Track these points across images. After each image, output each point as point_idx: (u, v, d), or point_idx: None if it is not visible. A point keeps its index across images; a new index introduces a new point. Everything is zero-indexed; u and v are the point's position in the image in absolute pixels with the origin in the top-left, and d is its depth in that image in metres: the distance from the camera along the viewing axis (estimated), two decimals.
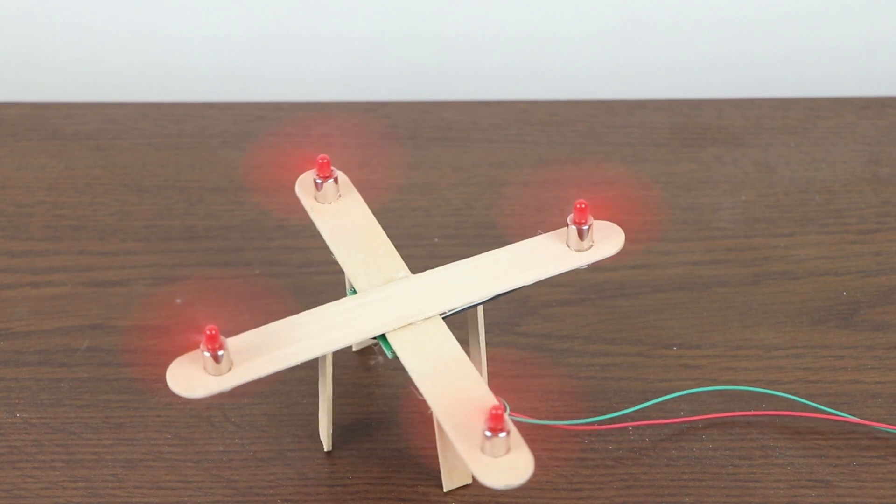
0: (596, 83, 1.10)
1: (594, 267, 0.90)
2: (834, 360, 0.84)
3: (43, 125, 1.02)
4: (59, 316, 0.88)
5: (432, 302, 0.74)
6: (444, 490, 0.77)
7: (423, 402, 0.70)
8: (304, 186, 0.81)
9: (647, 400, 0.82)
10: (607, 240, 0.77)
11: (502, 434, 0.67)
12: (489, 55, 1.09)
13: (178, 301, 0.88)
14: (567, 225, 0.76)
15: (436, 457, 0.77)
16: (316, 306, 0.88)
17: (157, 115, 1.02)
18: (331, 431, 0.79)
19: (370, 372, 0.84)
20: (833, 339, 0.86)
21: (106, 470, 0.79)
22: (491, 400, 0.69)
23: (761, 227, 0.93)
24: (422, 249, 0.91)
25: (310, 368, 0.84)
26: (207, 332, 0.70)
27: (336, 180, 0.80)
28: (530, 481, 0.78)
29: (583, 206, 0.76)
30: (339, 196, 0.80)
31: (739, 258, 0.91)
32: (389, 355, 0.73)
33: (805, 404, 0.81)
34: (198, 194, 0.96)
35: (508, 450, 0.67)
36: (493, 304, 0.87)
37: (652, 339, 0.86)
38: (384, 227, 0.93)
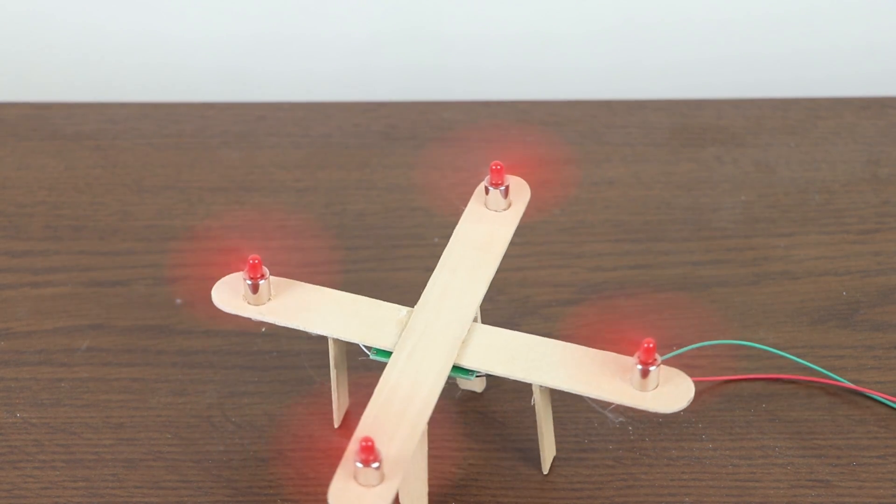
0: (596, 83, 1.10)
1: (594, 267, 0.90)
2: (834, 360, 0.84)
3: (43, 125, 1.02)
4: (60, 316, 0.88)
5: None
6: (544, 472, 0.78)
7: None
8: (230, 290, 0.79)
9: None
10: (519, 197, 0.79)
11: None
12: (489, 55, 1.09)
13: (179, 301, 0.88)
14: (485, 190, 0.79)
15: (433, 457, 0.77)
16: None
17: (158, 115, 1.02)
18: (342, 409, 0.80)
19: (370, 372, 0.84)
20: (833, 339, 0.86)
21: (106, 470, 0.79)
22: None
23: (761, 227, 0.93)
24: (422, 249, 0.92)
25: (310, 368, 0.84)
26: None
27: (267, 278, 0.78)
28: (531, 481, 0.78)
29: (498, 167, 0.78)
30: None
31: (739, 258, 0.91)
32: (373, 356, 0.74)
33: (814, 369, 0.82)
34: (198, 194, 0.96)
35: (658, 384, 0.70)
36: (494, 304, 0.88)
37: (652, 339, 0.86)
38: (384, 227, 0.94)
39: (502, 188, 0.79)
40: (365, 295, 0.88)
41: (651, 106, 1.03)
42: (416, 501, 0.73)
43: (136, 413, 0.82)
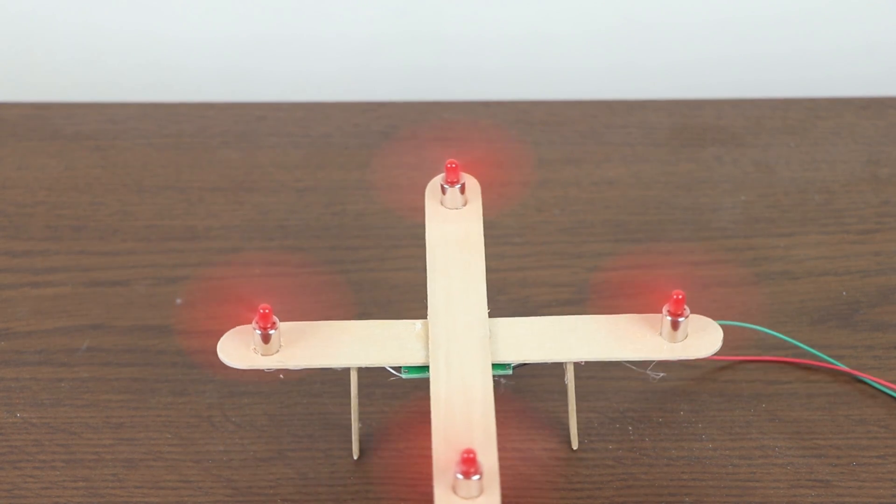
0: (596, 83, 1.10)
1: (594, 267, 0.90)
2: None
3: (43, 125, 1.02)
4: (60, 316, 0.88)
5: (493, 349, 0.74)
6: (574, 448, 0.78)
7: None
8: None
9: (647, 400, 0.82)
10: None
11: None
12: (489, 55, 1.09)
13: (179, 301, 0.88)
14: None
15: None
16: (316, 306, 0.88)
17: (158, 115, 1.02)
18: (356, 437, 0.79)
19: (370, 371, 0.84)
20: (833, 339, 0.86)
21: (106, 470, 0.79)
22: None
23: (761, 227, 0.93)
24: (422, 250, 0.91)
25: (310, 368, 0.84)
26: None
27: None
28: (531, 480, 0.78)
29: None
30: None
31: (739, 258, 0.91)
32: (406, 375, 0.74)
33: (810, 352, 0.83)
34: (198, 194, 0.96)
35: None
36: (494, 304, 0.87)
37: None
38: (384, 227, 0.94)
39: (458, 186, 0.79)
40: (365, 295, 0.89)
41: (651, 106, 1.03)
42: None
43: (136, 413, 0.82)
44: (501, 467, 0.78)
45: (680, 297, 0.73)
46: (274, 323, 0.74)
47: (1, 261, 0.91)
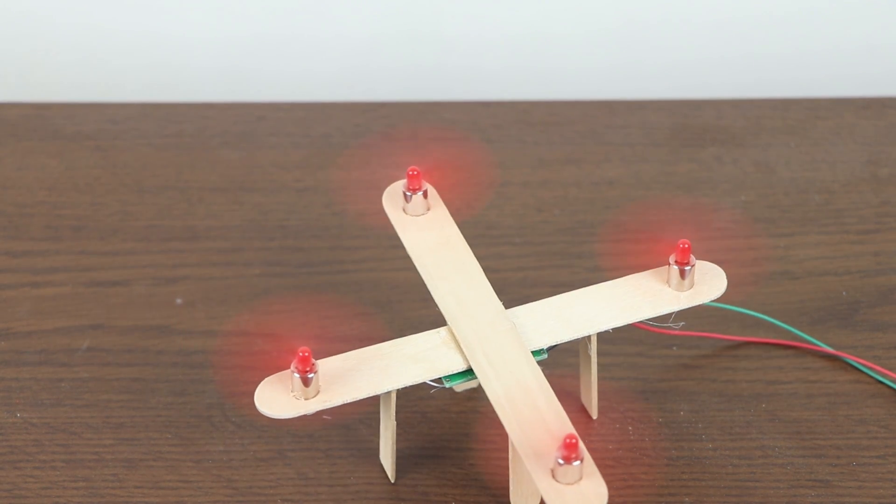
0: (596, 83, 1.10)
1: (594, 267, 0.90)
2: (834, 360, 0.84)
3: (43, 125, 1.02)
4: (60, 316, 0.88)
5: (525, 339, 0.74)
6: (594, 417, 0.78)
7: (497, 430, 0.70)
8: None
9: (647, 400, 0.82)
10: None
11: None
12: (489, 55, 1.09)
13: (179, 301, 0.88)
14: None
15: (429, 456, 0.77)
16: (316, 306, 0.88)
17: (158, 115, 1.02)
18: (394, 460, 0.78)
19: None
20: (833, 339, 0.86)
21: (106, 470, 0.79)
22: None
23: (761, 227, 0.93)
24: None
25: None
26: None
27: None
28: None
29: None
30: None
31: (739, 258, 0.91)
32: (450, 384, 0.73)
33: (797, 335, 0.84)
34: (198, 194, 0.96)
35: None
36: None
37: (652, 338, 0.86)
38: (384, 227, 0.93)
39: (422, 192, 0.79)
40: (365, 295, 0.89)
41: (651, 106, 1.03)
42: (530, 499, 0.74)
43: (136, 413, 0.82)
44: (501, 468, 0.78)
45: (686, 245, 0.75)
46: (313, 364, 0.71)
47: (1, 261, 0.91)
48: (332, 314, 0.88)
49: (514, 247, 0.92)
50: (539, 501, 0.73)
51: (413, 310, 0.87)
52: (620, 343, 0.85)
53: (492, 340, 0.73)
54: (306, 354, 0.71)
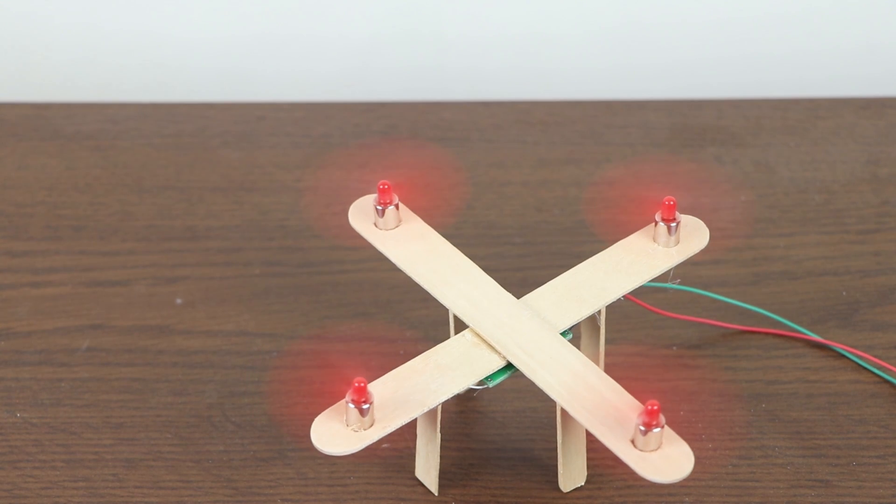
0: (596, 83, 1.10)
1: None
2: (833, 360, 0.84)
3: (43, 125, 1.02)
4: (60, 316, 0.88)
5: (550, 323, 0.75)
6: (564, 490, 0.78)
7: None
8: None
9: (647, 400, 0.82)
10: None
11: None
12: (489, 55, 1.09)
13: (179, 301, 0.88)
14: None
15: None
16: (316, 306, 0.88)
17: (158, 115, 1.03)
18: (437, 473, 0.77)
19: (370, 371, 0.84)
20: (833, 338, 0.86)
21: (106, 470, 0.79)
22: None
23: (761, 227, 0.93)
24: None
25: (310, 368, 0.84)
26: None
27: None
28: (531, 480, 0.78)
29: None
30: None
31: (739, 258, 0.91)
32: (492, 383, 0.73)
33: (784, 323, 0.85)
34: (198, 194, 0.96)
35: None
36: None
37: (652, 339, 0.86)
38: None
39: (393, 205, 0.78)
40: (365, 295, 0.89)
41: (651, 106, 1.03)
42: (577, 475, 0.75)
43: (136, 413, 0.82)
44: (501, 467, 0.78)
45: (671, 202, 0.77)
46: (370, 394, 0.69)
47: (1, 261, 0.91)
48: (332, 314, 0.88)
49: (514, 247, 0.92)
50: (584, 480, 0.76)
51: (413, 310, 0.87)
52: (620, 343, 0.85)
53: (520, 332, 0.74)
54: (362, 385, 0.69)
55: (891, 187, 0.96)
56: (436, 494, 0.77)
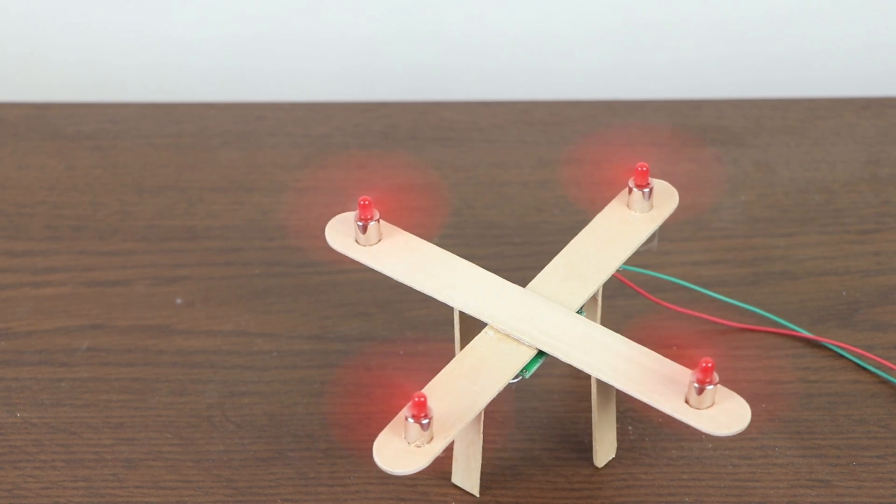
0: (596, 83, 1.10)
1: None
2: (833, 360, 0.84)
3: (43, 125, 1.02)
4: (60, 316, 0.88)
5: (564, 304, 0.75)
6: (599, 465, 0.78)
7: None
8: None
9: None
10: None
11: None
12: (489, 55, 1.09)
13: (179, 301, 0.88)
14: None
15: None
16: (316, 306, 0.88)
17: (158, 115, 1.03)
18: (479, 475, 0.77)
19: (370, 371, 0.84)
20: (833, 338, 0.86)
21: (106, 470, 0.79)
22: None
23: (761, 227, 0.93)
24: None
25: (310, 368, 0.84)
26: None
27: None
28: (531, 480, 0.78)
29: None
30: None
31: (739, 258, 0.91)
32: (529, 373, 0.73)
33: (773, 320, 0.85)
34: (198, 194, 0.96)
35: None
36: None
37: (652, 339, 0.86)
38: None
39: (375, 221, 0.77)
40: (365, 295, 0.89)
41: (651, 106, 1.03)
42: None
43: (136, 413, 0.82)
44: (501, 468, 0.78)
45: (644, 168, 0.78)
46: (430, 409, 0.68)
47: (1, 261, 0.91)
48: (332, 314, 0.88)
49: (514, 247, 0.92)
50: (615, 453, 0.79)
51: (413, 310, 0.87)
52: None
53: (540, 319, 0.74)
54: (423, 400, 0.68)
55: (891, 187, 0.96)
56: (477, 496, 0.77)
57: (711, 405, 0.69)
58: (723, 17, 1.08)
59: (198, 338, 0.86)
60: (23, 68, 1.10)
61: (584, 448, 0.80)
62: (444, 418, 0.69)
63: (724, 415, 0.69)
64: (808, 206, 0.95)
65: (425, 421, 0.68)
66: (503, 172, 0.98)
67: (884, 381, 0.83)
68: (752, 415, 0.81)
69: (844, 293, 0.89)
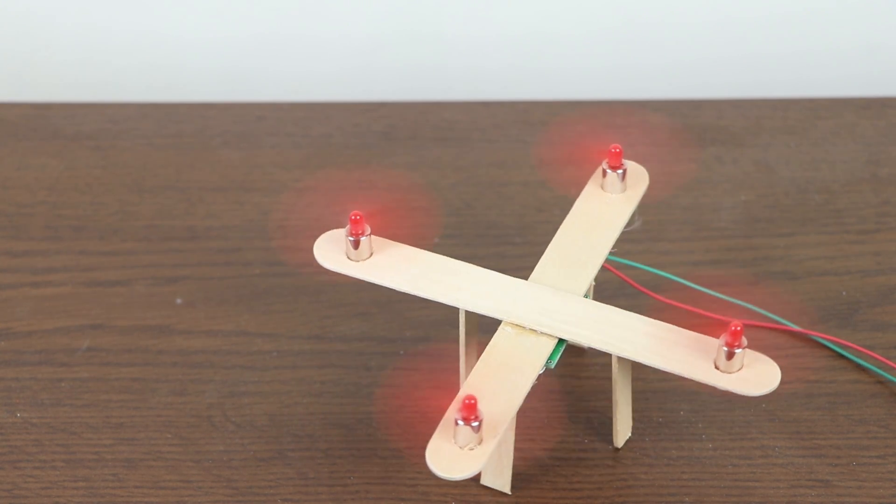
0: (596, 83, 1.10)
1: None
2: (833, 360, 0.84)
3: (44, 125, 1.02)
4: (60, 316, 0.88)
5: (570, 290, 0.76)
6: (618, 446, 0.79)
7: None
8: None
9: (647, 400, 0.82)
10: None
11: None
12: (489, 55, 1.09)
13: (179, 301, 0.88)
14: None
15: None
16: (316, 306, 0.88)
17: (158, 115, 1.03)
18: (510, 472, 0.77)
19: (370, 371, 0.84)
20: (833, 338, 0.86)
21: (106, 470, 0.79)
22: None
23: (761, 227, 0.93)
24: None
25: (310, 368, 0.84)
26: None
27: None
28: (531, 481, 0.78)
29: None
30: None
31: (739, 258, 0.91)
32: (553, 364, 0.73)
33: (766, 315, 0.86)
34: (198, 194, 0.96)
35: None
36: None
37: None
38: (386, 228, 0.94)
39: (366, 235, 0.77)
40: (365, 295, 0.89)
41: (651, 106, 1.03)
42: None
43: (136, 413, 0.82)
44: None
45: (618, 149, 0.79)
46: (479, 411, 0.68)
47: (1, 261, 0.91)
48: (332, 314, 0.88)
49: (514, 247, 0.92)
50: (631, 431, 0.79)
51: (413, 310, 0.87)
52: None
53: (552, 309, 0.74)
54: (473, 402, 0.68)
55: (891, 187, 0.96)
56: (509, 493, 0.77)
57: (741, 368, 0.70)
58: (723, 17, 1.08)
59: (198, 338, 0.86)
60: (23, 68, 1.10)
61: (585, 448, 0.80)
62: (489, 417, 0.69)
63: (756, 376, 0.70)
64: (808, 206, 0.95)
65: (475, 423, 0.68)
66: (503, 172, 0.98)
67: (884, 381, 0.83)
68: (753, 415, 0.81)
69: (844, 293, 0.89)
